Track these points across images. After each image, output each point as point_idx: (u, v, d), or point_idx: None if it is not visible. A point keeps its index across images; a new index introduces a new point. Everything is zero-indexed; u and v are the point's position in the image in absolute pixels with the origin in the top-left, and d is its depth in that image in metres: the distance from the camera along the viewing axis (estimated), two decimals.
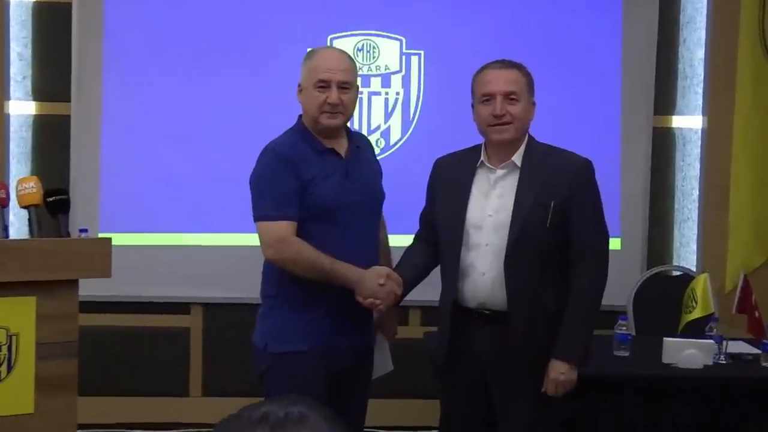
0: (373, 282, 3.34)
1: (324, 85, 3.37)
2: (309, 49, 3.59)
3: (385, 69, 5.30)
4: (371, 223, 3.50)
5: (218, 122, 5.24)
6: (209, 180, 5.23)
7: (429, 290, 3.64)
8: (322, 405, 1.36)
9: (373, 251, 3.49)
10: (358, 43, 5.27)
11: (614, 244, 4.52)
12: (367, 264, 3.37)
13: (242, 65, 5.24)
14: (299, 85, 3.46)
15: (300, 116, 3.49)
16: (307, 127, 3.44)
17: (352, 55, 3.60)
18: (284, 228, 3.32)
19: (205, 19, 5.25)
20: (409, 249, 3.64)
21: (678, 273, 5.26)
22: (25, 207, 3.05)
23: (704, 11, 5.40)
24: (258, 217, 3.38)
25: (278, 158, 3.36)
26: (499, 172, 3.41)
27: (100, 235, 4.45)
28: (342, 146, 3.46)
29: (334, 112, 3.38)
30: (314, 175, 3.35)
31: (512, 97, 3.36)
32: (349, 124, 3.57)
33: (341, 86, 3.38)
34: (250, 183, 3.42)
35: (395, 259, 3.64)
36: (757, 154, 5.25)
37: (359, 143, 3.55)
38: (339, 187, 3.37)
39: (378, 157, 3.75)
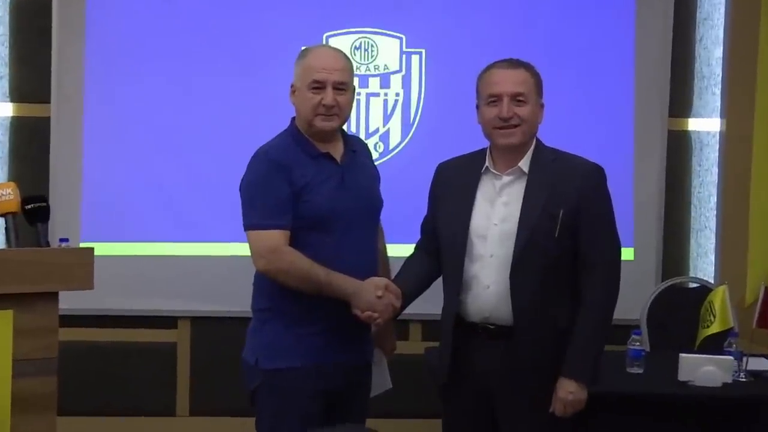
0: (370, 294, 3.33)
1: (318, 86, 3.38)
2: (303, 48, 3.59)
3: (384, 69, 5.30)
4: (368, 231, 3.50)
5: (207, 125, 5.23)
6: (197, 186, 5.23)
7: (430, 303, 3.63)
8: None
9: (371, 262, 3.48)
10: (355, 41, 5.27)
11: (627, 254, 4.51)
12: (364, 275, 3.37)
13: (232, 65, 5.24)
14: (292, 86, 3.46)
15: (293, 119, 3.49)
16: (300, 130, 3.44)
17: (348, 54, 3.61)
18: (277, 237, 3.32)
19: (194, 15, 5.24)
20: (409, 259, 3.63)
21: (695, 285, 5.26)
22: (1, 215, 3.05)
23: (722, 7, 5.41)
24: (249, 225, 3.38)
25: (270, 163, 3.36)
26: (505, 178, 3.41)
27: (82, 245, 4.44)
28: (337, 150, 3.46)
29: (329, 115, 3.39)
30: (308, 181, 3.35)
31: (520, 98, 3.37)
32: (345, 127, 3.58)
33: (337, 87, 3.38)
34: (240, 189, 3.42)
35: (394, 270, 3.64)
36: None
37: (356, 147, 3.55)
38: (334, 194, 3.37)
39: (376, 162, 3.75)
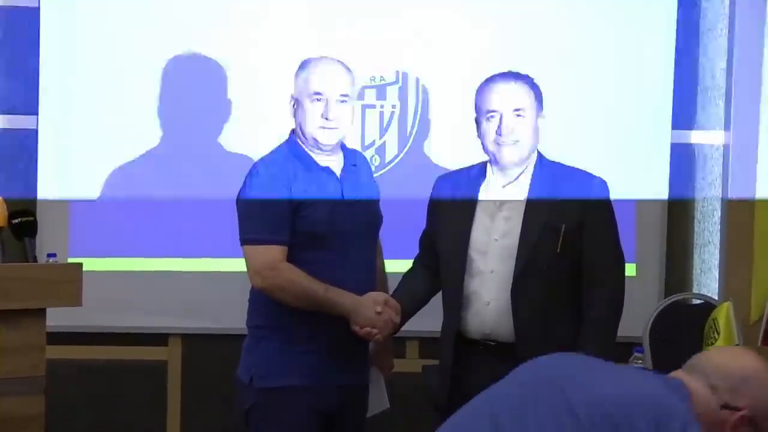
0: (369, 309, 3.32)
1: (319, 97, 3.36)
2: (302, 59, 3.58)
3: (381, 80, 5.29)
4: (367, 247, 3.49)
5: (200, 136, 5.21)
6: (190, 200, 5.21)
7: (428, 319, 3.62)
8: None
9: (370, 278, 3.48)
10: None
11: (629, 270, 4.48)
12: (363, 292, 3.36)
13: (225, 75, 5.22)
14: (292, 98, 3.45)
15: (292, 131, 3.48)
16: (300, 143, 3.43)
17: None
18: (274, 253, 3.31)
19: (186, 27, 5.23)
20: (407, 274, 3.63)
21: (698, 301, 5.25)
22: None
23: (726, 18, 5.40)
24: (245, 240, 3.37)
25: (268, 177, 3.35)
26: (506, 192, 3.40)
27: (70, 260, 4.43)
28: (337, 164, 3.46)
29: (330, 128, 3.37)
30: (307, 195, 3.34)
31: (519, 113, 3.36)
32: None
33: (338, 99, 3.37)
34: (236, 203, 3.41)
35: (392, 286, 3.62)
36: None
37: (355, 161, 3.54)
38: (333, 209, 3.37)
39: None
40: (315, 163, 3.41)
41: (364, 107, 5.25)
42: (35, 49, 5.17)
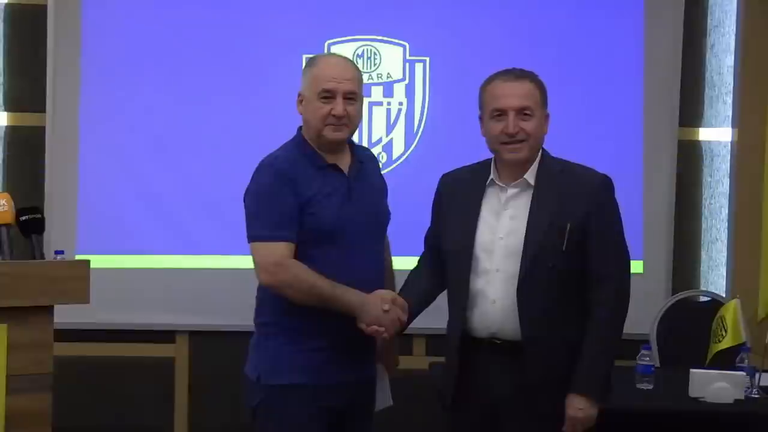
0: (377, 308, 3.32)
1: (329, 95, 3.37)
2: (310, 56, 3.58)
3: (387, 77, 5.30)
4: (375, 245, 3.48)
5: (207, 135, 5.23)
6: (197, 197, 5.23)
7: (435, 317, 3.63)
8: None
9: (377, 276, 3.47)
10: (357, 48, 5.27)
11: (636, 267, 4.52)
12: (370, 289, 3.35)
13: (232, 73, 5.24)
14: (299, 95, 3.45)
15: (299, 128, 3.48)
16: (307, 140, 3.43)
17: None
18: (281, 250, 3.31)
19: (192, 24, 5.25)
20: (413, 273, 3.62)
21: (706, 299, 5.25)
22: None
23: (733, 15, 5.41)
24: (253, 237, 3.37)
25: (276, 174, 3.35)
26: (511, 191, 3.40)
27: (77, 258, 4.43)
28: (345, 162, 3.46)
29: (339, 125, 3.38)
30: (314, 193, 3.34)
31: (526, 112, 3.35)
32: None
33: (347, 97, 3.38)
34: (244, 201, 3.41)
35: (398, 283, 3.63)
36: None
37: (363, 158, 3.54)
38: (341, 207, 3.36)
39: None
40: (322, 160, 3.40)
41: (371, 104, 5.27)
42: (43, 47, 5.19)
